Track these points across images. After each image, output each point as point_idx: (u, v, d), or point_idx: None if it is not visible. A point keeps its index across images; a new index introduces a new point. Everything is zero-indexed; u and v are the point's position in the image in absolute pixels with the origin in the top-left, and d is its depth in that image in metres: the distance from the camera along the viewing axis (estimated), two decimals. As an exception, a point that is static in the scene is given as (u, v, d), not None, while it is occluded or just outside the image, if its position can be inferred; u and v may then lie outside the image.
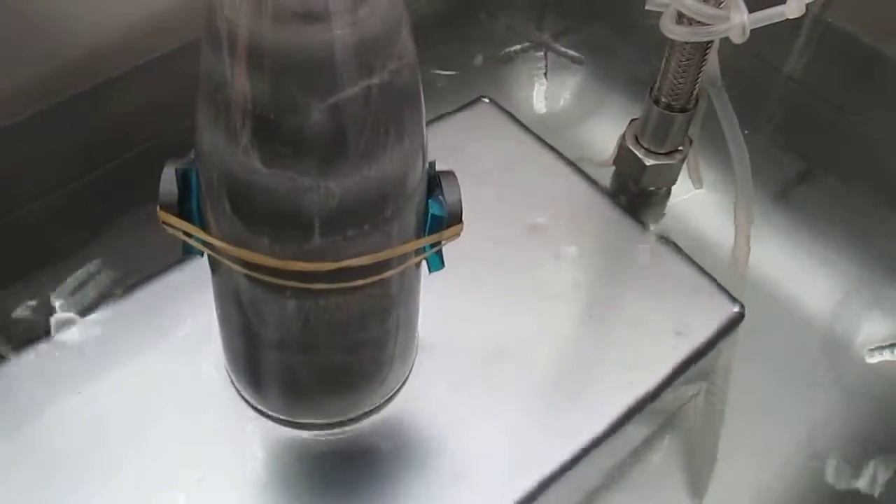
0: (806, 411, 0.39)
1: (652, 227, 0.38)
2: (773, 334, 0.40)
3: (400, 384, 0.31)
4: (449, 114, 0.41)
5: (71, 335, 0.32)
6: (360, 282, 0.24)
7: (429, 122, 0.39)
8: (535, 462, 0.31)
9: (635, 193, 0.41)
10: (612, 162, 0.41)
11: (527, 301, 0.35)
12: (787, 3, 0.32)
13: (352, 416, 0.30)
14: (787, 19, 0.32)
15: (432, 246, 0.25)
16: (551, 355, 0.33)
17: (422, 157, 0.24)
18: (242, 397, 0.31)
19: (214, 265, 0.26)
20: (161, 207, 0.23)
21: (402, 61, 0.21)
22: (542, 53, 0.50)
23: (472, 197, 0.36)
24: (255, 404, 0.30)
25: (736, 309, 0.35)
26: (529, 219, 0.37)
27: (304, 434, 0.30)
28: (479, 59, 0.49)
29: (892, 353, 0.40)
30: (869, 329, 0.41)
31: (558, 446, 0.31)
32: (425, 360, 0.32)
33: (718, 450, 0.37)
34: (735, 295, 0.36)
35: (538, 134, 0.41)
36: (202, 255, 0.25)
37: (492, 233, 0.36)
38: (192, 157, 0.24)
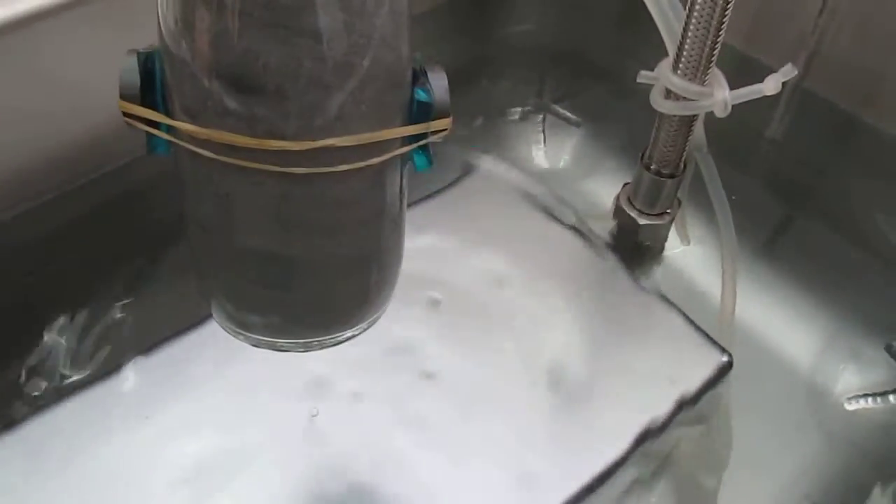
0: (792, 455, 0.40)
1: (645, 282, 0.41)
2: (758, 382, 0.42)
3: (381, 305, 0.28)
4: (454, 181, 0.43)
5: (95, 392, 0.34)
6: (342, 167, 0.22)
7: (436, 192, 0.41)
8: None
9: (629, 250, 0.43)
10: (610, 219, 0.44)
11: (525, 349, 0.37)
12: (765, 81, 0.35)
13: (334, 336, 0.28)
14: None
15: (417, 140, 0.23)
16: (547, 402, 0.35)
17: (404, 33, 0.22)
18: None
19: (182, 160, 0.23)
20: (122, 98, 0.21)
21: None
22: (541, 117, 0.52)
23: (475, 253, 0.39)
24: (234, 328, 0.28)
25: (724, 359, 0.37)
26: (529, 274, 0.40)
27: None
28: (480, 121, 0.52)
29: (868, 401, 0.42)
30: (847, 378, 0.43)
31: (555, 489, 0.33)
32: (420, 408, 0.34)
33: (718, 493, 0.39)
34: (724, 345, 0.38)
35: (537, 194, 0.43)
36: (167, 150, 0.22)
37: (493, 287, 0.39)
38: (158, 42, 0.22)
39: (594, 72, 0.56)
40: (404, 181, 0.25)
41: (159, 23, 0.21)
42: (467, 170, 0.44)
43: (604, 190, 0.46)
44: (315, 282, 0.25)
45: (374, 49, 0.21)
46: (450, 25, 0.53)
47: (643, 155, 0.40)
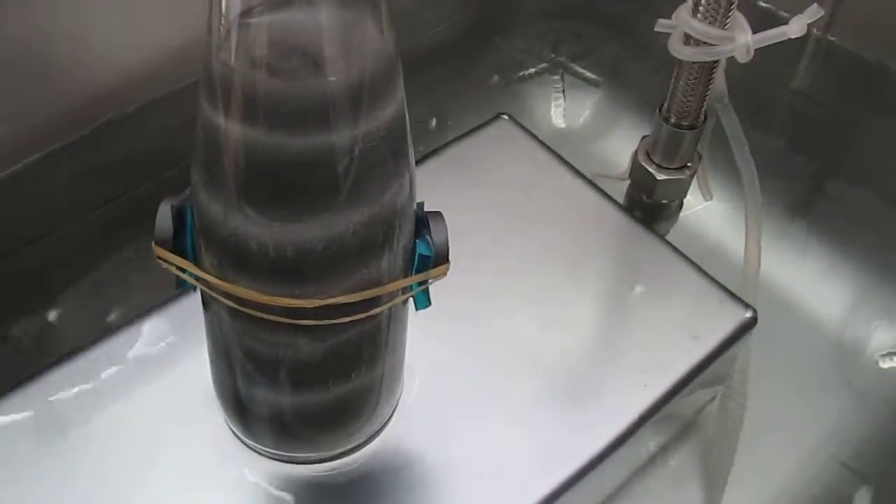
0: (820, 415, 0.40)
1: (665, 239, 0.40)
2: (786, 341, 0.41)
3: (389, 416, 0.31)
4: (470, 131, 0.42)
5: (84, 362, 0.33)
6: (347, 318, 0.24)
7: (450, 141, 0.41)
8: (552, 465, 0.31)
9: (648, 206, 0.42)
10: (626, 177, 0.43)
11: (544, 308, 0.36)
12: (790, 23, 0.33)
13: (344, 449, 0.30)
14: (792, 38, 0.34)
15: (419, 284, 0.26)
16: (567, 361, 0.34)
17: (410, 200, 0.24)
18: (232, 431, 0.31)
19: (206, 299, 0.26)
20: (156, 243, 0.24)
21: (394, 109, 0.22)
22: (558, 76, 0.51)
23: (491, 209, 0.38)
24: (245, 439, 0.30)
25: (748, 314, 0.36)
26: (547, 231, 0.39)
27: (298, 468, 0.30)
28: (495, 80, 0.51)
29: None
30: (880, 335, 0.42)
31: (575, 449, 0.32)
32: (442, 364, 0.33)
33: (735, 454, 0.38)
34: (748, 301, 0.37)
35: (555, 150, 0.42)
36: (195, 289, 0.25)
37: (510, 244, 0.38)
38: (188, 193, 0.24)
39: (611, 27, 0.54)
40: (406, 317, 0.28)
41: (193, 187, 0.23)
42: (482, 127, 0.43)
43: (622, 147, 0.45)
44: (324, 411, 0.28)
45: (384, 222, 0.23)
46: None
47: (662, 107, 0.39)
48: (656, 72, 0.40)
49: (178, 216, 0.24)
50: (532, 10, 0.55)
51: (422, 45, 0.50)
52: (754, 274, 0.39)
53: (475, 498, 0.31)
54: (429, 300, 0.26)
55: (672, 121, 0.39)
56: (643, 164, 0.41)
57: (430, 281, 0.26)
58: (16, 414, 0.31)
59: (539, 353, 0.34)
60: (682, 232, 0.43)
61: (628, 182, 0.43)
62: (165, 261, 0.24)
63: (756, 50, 0.34)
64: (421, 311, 0.27)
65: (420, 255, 0.25)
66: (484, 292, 0.36)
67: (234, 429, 0.30)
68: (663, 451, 0.39)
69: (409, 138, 0.23)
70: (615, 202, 0.40)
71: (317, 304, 0.23)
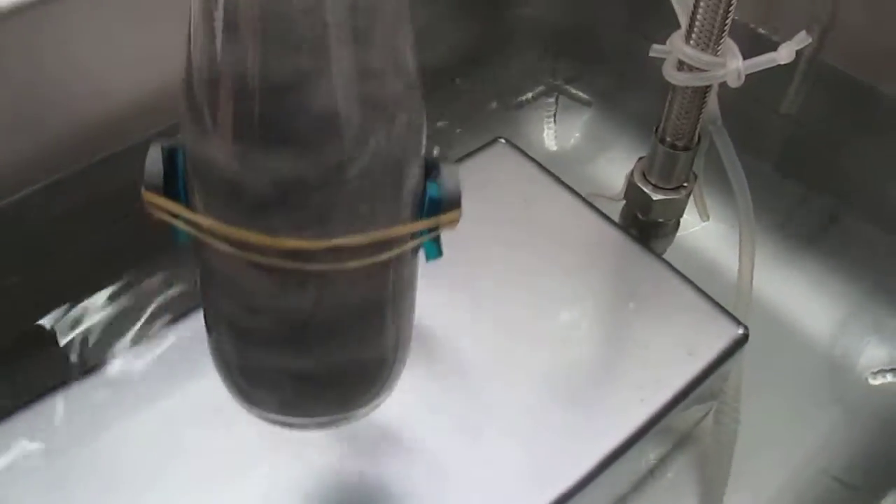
0: (812, 430, 0.40)
1: (661, 257, 0.40)
2: (779, 357, 0.42)
3: (394, 383, 0.29)
4: (468, 155, 0.43)
5: (111, 369, 0.34)
6: (353, 263, 0.22)
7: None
8: (549, 479, 0.32)
9: (645, 226, 0.43)
10: (622, 197, 0.44)
11: (542, 324, 0.37)
12: (779, 49, 0.34)
13: (347, 414, 0.28)
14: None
15: (430, 231, 0.24)
16: (565, 376, 0.35)
17: (419, 137, 0.23)
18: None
19: (201, 250, 0.24)
20: (146, 188, 0.22)
21: (398, 37, 0.20)
22: (553, 98, 0.52)
23: (490, 229, 0.39)
24: (247, 406, 0.28)
25: (741, 331, 0.37)
26: (545, 250, 0.39)
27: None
28: (493, 105, 0.52)
29: (893, 376, 0.41)
30: (871, 352, 0.42)
31: (572, 463, 0.32)
32: (439, 378, 0.34)
33: (731, 467, 0.39)
34: (740, 318, 0.38)
35: (552, 172, 0.43)
36: (187, 239, 0.23)
37: (509, 263, 0.39)
38: (179, 137, 0.22)
39: (604, 51, 0.55)
40: (415, 270, 0.26)
41: (182, 122, 0.21)
42: (480, 150, 0.44)
43: (618, 167, 0.45)
44: (329, 366, 0.26)
45: (390, 156, 0.21)
46: (459, 5, 0.53)
47: (657, 129, 0.40)
48: (649, 96, 0.41)
49: (170, 159, 0.22)
50: (530, 35, 0.56)
51: (425, 69, 0.51)
52: (747, 292, 0.40)
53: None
54: (440, 250, 0.24)
55: (667, 142, 0.40)
56: (639, 184, 0.42)
57: (440, 228, 0.24)
58: (34, 423, 0.32)
59: (537, 368, 0.35)
60: (679, 250, 0.44)
61: (623, 202, 0.44)
62: (157, 206, 0.22)
63: (747, 74, 0.35)
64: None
65: (430, 199, 0.23)
66: (482, 309, 0.37)
67: (232, 395, 0.28)
68: (660, 464, 0.39)
69: (418, 72, 0.22)
70: (612, 221, 0.41)
71: (321, 246, 0.21)
